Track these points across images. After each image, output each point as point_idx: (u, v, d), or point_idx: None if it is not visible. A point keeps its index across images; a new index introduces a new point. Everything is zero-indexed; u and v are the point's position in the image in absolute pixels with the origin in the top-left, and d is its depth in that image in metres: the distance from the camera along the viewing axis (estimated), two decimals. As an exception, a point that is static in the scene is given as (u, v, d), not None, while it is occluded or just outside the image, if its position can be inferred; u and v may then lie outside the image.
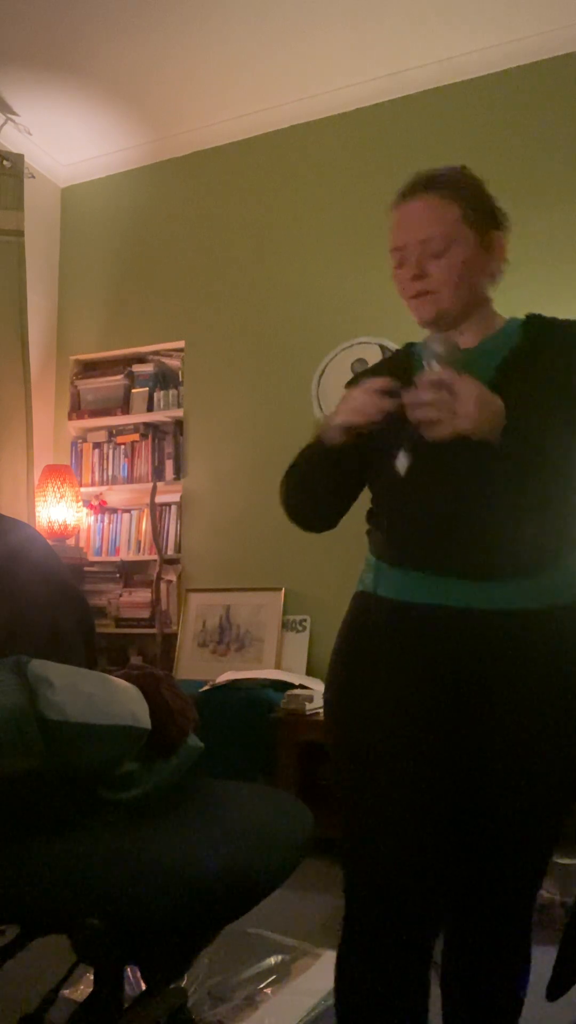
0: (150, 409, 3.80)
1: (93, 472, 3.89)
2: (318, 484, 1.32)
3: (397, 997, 1.16)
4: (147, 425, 3.81)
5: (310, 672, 3.21)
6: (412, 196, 1.26)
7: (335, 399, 3.75)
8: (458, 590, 1.15)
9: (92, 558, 3.79)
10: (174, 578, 3.61)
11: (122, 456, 3.83)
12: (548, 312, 1.29)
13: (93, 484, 3.88)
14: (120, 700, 1.23)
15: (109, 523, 3.82)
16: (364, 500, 1.38)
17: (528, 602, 1.14)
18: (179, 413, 3.73)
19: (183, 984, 1.70)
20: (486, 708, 1.15)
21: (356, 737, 1.20)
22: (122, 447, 3.84)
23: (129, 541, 3.76)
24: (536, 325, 1.26)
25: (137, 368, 3.88)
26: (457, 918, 1.23)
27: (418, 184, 1.26)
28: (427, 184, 1.25)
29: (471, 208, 1.24)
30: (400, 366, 1.31)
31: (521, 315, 1.30)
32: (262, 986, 1.81)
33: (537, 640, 1.14)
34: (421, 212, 1.23)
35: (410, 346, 1.36)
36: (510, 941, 1.21)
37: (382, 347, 3.29)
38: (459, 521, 1.15)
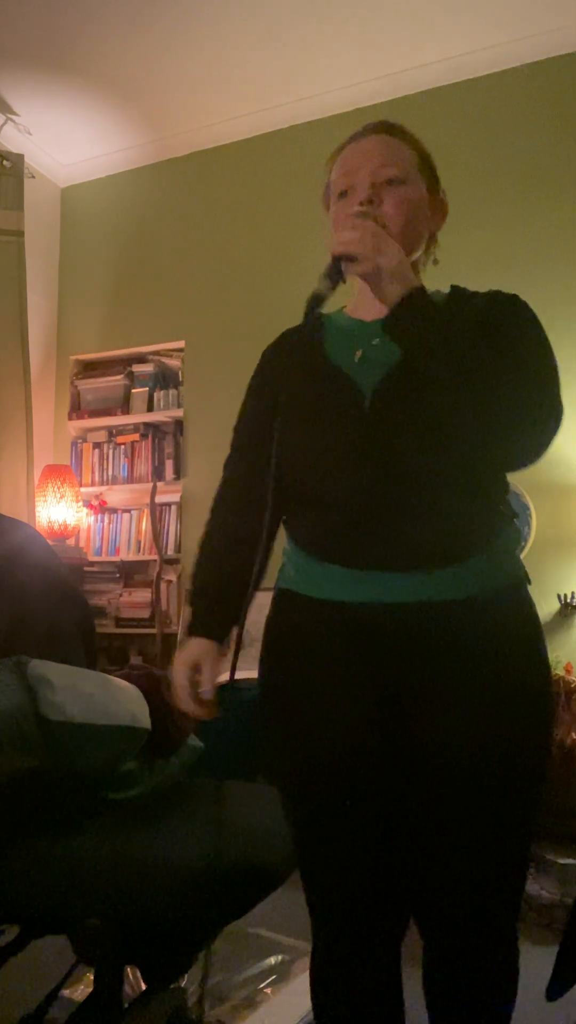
0: (150, 409, 3.80)
1: (93, 472, 3.89)
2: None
3: (367, 1001, 1.11)
4: (147, 425, 3.81)
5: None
6: (365, 135, 1.19)
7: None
8: (381, 584, 1.07)
9: (92, 558, 3.79)
10: (174, 578, 3.61)
11: (122, 456, 3.83)
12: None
13: (93, 484, 3.88)
14: (120, 700, 1.23)
15: (109, 523, 3.82)
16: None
17: (456, 592, 1.06)
18: (179, 413, 3.72)
19: (183, 984, 1.70)
20: (423, 701, 1.08)
21: (292, 743, 1.14)
22: (122, 447, 3.84)
23: (129, 541, 3.76)
24: (454, 300, 1.19)
25: (137, 368, 3.88)
26: (427, 919, 1.13)
27: (372, 126, 1.20)
28: (384, 126, 1.19)
29: (424, 160, 1.19)
30: (309, 342, 1.22)
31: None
32: (262, 986, 1.81)
33: (468, 629, 1.07)
34: (379, 145, 1.16)
35: (320, 318, 1.23)
36: (484, 936, 1.10)
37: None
38: (375, 508, 1.07)
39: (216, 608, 1.23)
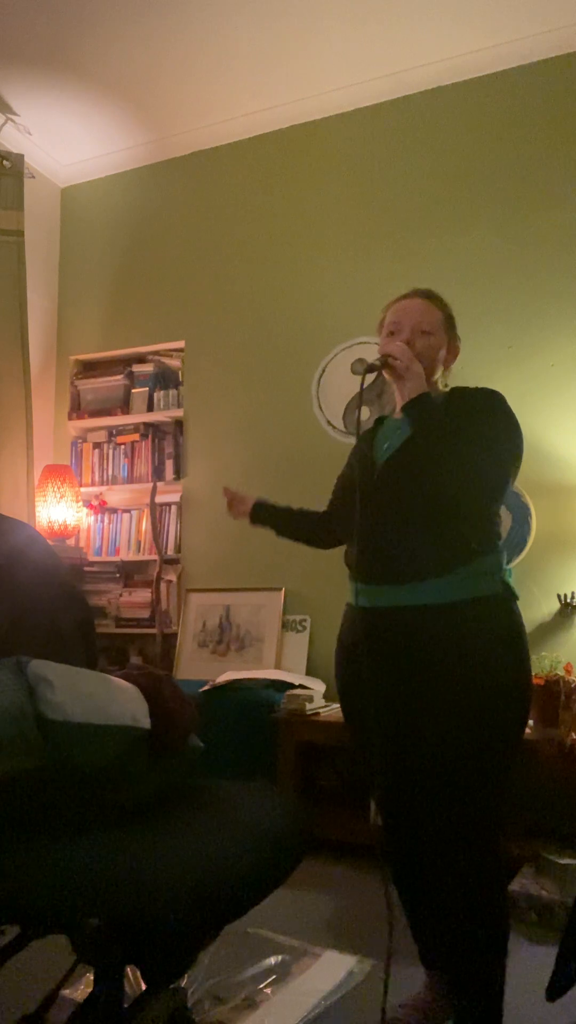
0: (150, 409, 3.80)
1: (93, 472, 3.89)
2: (291, 537, 2.00)
3: (400, 855, 1.70)
4: (147, 425, 3.81)
5: (310, 672, 3.21)
6: (412, 297, 1.76)
7: (335, 399, 3.76)
8: (384, 594, 1.61)
9: (92, 558, 3.79)
10: (174, 578, 3.62)
11: (122, 456, 3.83)
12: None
13: (93, 484, 3.88)
14: (120, 700, 1.23)
15: (109, 523, 3.82)
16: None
17: (441, 597, 1.55)
18: (179, 413, 3.73)
19: (183, 984, 1.70)
20: (418, 676, 1.56)
21: (343, 704, 1.76)
22: (122, 447, 3.84)
23: (129, 541, 3.76)
24: (451, 396, 1.71)
25: (137, 368, 3.88)
26: (426, 835, 1.59)
27: (417, 292, 1.77)
28: (425, 294, 1.76)
29: (448, 320, 1.77)
30: (368, 436, 1.83)
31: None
32: (262, 986, 1.81)
33: (450, 624, 1.54)
34: (420, 306, 1.74)
35: (380, 420, 1.86)
36: (467, 843, 1.49)
37: (382, 347, 3.29)
38: (377, 544, 1.61)
39: (278, 509, 1.99)
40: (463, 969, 1.51)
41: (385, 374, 1.69)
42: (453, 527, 1.57)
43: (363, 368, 1.64)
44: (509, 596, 1.60)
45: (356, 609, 1.67)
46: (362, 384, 1.67)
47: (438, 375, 1.76)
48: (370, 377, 1.72)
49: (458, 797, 1.50)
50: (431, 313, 1.73)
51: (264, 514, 1.98)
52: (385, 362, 1.64)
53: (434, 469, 1.56)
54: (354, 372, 1.50)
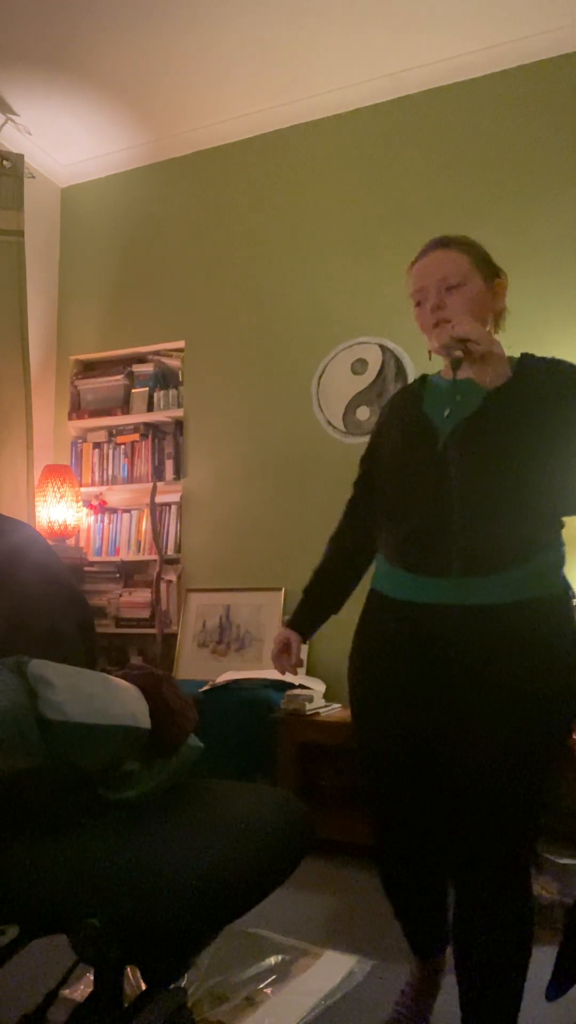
0: (150, 409, 3.80)
1: (93, 472, 3.89)
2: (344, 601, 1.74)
3: (408, 891, 1.55)
4: (147, 425, 3.81)
5: (310, 672, 3.21)
6: (428, 252, 1.54)
7: (335, 399, 3.75)
8: (435, 588, 1.42)
9: (92, 558, 3.79)
10: (174, 578, 3.62)
11: (122, 456, 3.83)
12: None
13: (93, 484, 3.88)
14: (120, 700, 1.23)
15: (109, 523, 3.82)
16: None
17: (494, 598, 1.37)
18: (179, 413, 3.73)
19: (183, 984, 1.70)
20: (453, 685, 1.40)
21: (357, 704, 1.56)
22: (122, 447, 3.84)
23: (129, 541, 3.76)
24: (523, 363, 1.47)
25: (137, 368, 3.88)
26: (456, 856, 1.40)
27: (433, 243, 1.55)
28: (440, 243, 1.53)
29: (478, 259, 1.52)
30: (412, 397, 1.59)
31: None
32: (262, 986, 1.81)
33: (501, 631, 1.37)
34: (438, 259, 1.51)
35: (423, 379, 1.63)
36: (502, 860, 1.33)
37: (382, 347, 3.29)
38: (436, 526, 1.41)
39: (306, 611, 1.70)
40: (485, 975, 1.36)
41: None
42: (527, 515, 1.38)
43: (454, 364, 1.33)
44: (571, 594, 1.43)
45: (396, 603, 1.48)
46: (454, 377, 1.37)
47: (488, 327, 1.53)
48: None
49: (511, 800, 1.33)
50: (454, 262, 1.49)
51: (311, 624, 1.70)
52: (465, 348, 1.34)
53: (518, 465, 1.36)
54: (454, 366, 1.34)
